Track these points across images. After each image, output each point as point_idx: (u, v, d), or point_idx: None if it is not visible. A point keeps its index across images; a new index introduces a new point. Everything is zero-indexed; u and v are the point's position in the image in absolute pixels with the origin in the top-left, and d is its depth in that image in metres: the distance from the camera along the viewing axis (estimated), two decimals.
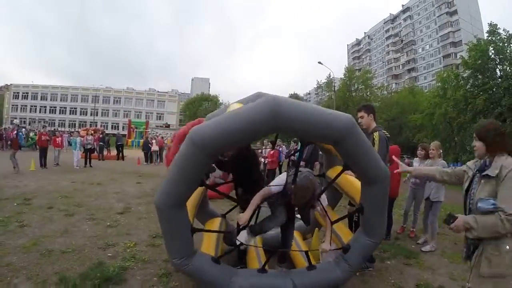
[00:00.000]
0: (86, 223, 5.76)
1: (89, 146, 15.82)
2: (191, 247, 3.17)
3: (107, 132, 34.95)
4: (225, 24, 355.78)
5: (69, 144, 24.34)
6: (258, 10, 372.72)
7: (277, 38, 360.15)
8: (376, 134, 4.08)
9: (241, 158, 3.90)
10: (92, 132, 20.25)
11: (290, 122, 2.73)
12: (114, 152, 21.69)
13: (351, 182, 3.85)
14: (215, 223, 4.29)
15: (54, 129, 39.90)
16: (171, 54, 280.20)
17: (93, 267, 3.86)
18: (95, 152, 18.32)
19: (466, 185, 2.49)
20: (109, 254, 4.38)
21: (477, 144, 2.43)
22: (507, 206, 2.11)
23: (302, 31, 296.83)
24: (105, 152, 20.83)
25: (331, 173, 4.29)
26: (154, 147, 19.73)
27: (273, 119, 2.67)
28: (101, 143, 19.54)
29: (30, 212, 6.26)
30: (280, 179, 3.65)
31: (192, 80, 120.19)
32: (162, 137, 24.87)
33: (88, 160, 15.53)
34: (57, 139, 15.78)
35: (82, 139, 15.96)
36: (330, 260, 3.58)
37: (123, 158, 20.78)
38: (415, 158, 6.50)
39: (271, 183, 3.62)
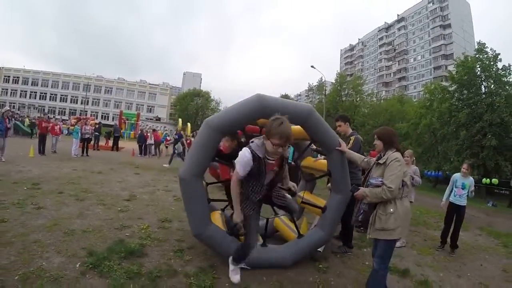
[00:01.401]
0: (98, 208, 6.25)
1: (87, 136, 16.28)
2: (208, 215, 4.18)
3: (98, 121, 35.19)
4: (221, 20, 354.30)
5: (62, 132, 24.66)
6: (254, 9, 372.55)
7: (271, 39, 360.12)
8: (352, 137, 5.17)
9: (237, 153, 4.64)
10: (86, 121, 20.62)
11: (272, 109, 3.89)
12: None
13: (322, 162, 5.21)
14: (216, 215, 4.90)
15: (49, 116, 39.80)
16: (163, 46, 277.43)
17: (115, 244, 4.41)
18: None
19: (368, 170, 3.76)
20: (126, 234, 4.93)
21: (377, 143, 3.60)
22: (387, 182, 3.24)
23: (297, 32, 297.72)
24: (104, 142, 21.28)
25: (304, 162, 5.65)
26: (150, 141, 20.26)
27: (261, 107, 3.97)
28: (96, 133, 19.95)
29: (42, 196, 6.65)
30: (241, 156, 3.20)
31: (184, 74, 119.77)
32: (156, 131, 25.15)
33: (85, 149, 16.00)
34: (56, 127, 16.17)
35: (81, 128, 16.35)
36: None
37: (117, 149, 21.27)
38: None
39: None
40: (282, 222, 5.31)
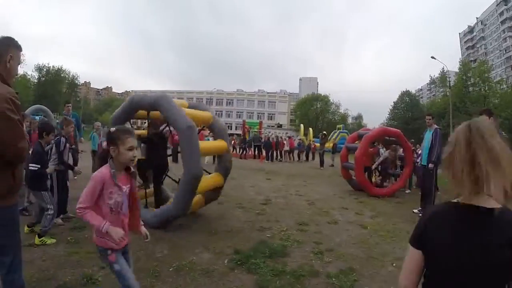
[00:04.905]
0: (237, 210, 6.71)
1: None
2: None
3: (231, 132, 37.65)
4: (328, 20, 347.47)
5: None
6: (363, 5, 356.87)
7: (383, 33, 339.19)
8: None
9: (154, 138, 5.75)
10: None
11: (159, 106, 5.02)
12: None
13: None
14: None
15: None
16: (276, 55, 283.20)
17: (259, 244, 4.67)
18: None
19: None
20: (267, 235, 5.19)
21: None
22: None
23: (409, 22, 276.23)
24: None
25: None
26: (286, 147, 21.45)
27: (155, 103, 5.08)
28: (243, 144, 22.31)
29: None
30: None
31: (300, 80, 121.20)
32: (289, 137, 24.94)
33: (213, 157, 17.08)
34: None
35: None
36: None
37: (259, 157, 21.74)
38: None
39: None
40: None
